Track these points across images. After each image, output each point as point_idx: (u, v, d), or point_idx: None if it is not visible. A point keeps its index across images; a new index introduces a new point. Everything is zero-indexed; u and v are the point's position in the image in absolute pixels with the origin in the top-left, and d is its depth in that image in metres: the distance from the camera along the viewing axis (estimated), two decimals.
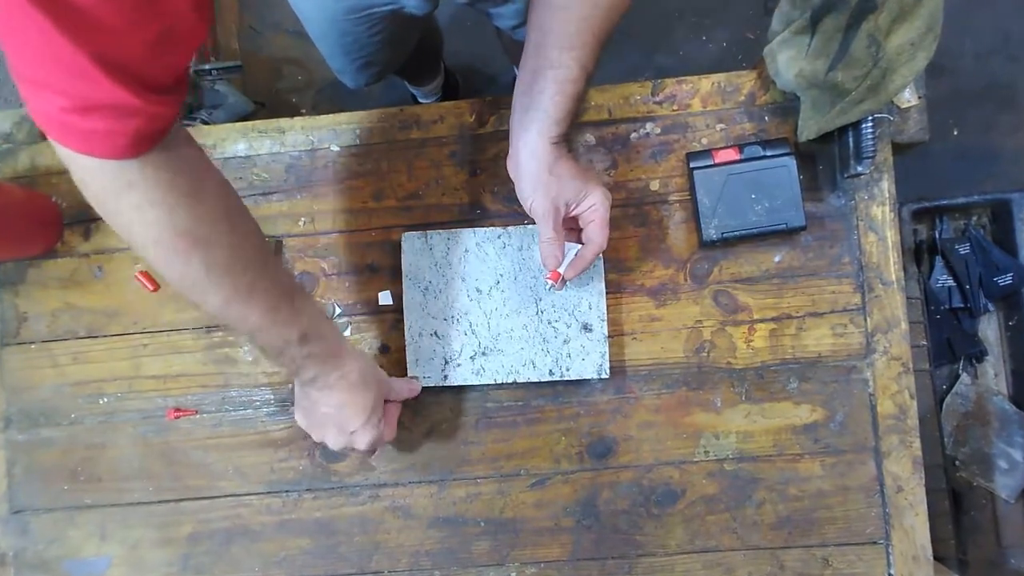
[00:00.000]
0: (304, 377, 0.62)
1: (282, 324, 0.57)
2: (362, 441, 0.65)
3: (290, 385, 0.77)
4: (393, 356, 0.77)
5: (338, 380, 0.63)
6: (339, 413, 0.64)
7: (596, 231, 0.65)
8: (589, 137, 0.76)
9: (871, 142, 0.68)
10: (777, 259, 0.75)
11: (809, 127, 0.71)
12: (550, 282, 0.67)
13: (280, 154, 0.78)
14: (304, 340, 0.59)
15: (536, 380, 0.73)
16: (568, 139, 0.63)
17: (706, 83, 0.76)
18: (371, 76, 1.00)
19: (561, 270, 0.66)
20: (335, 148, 0.78)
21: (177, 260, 0.50)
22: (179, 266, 0.50)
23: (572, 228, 0.68)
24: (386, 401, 0.69)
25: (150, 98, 0.43)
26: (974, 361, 1.32)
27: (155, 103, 0.44)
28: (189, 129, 0.79)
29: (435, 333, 0.74)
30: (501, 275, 0.74)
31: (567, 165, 0.63)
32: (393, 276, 0.77)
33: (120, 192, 0.46)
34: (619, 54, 1.27)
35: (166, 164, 0.47)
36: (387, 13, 0.82)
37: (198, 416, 0.78)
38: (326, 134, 0.78)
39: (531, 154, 0.62)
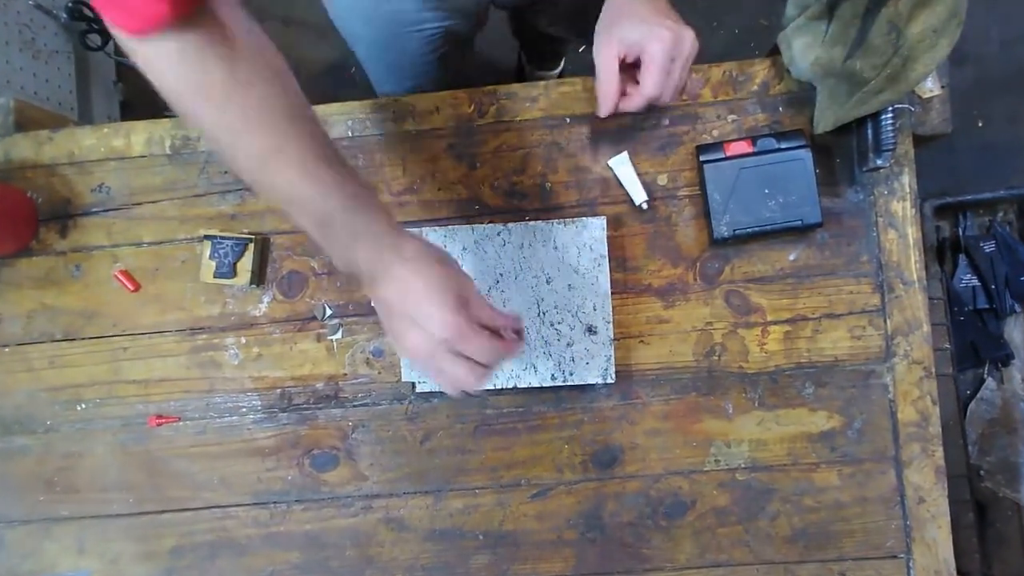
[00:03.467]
0: (359, 266, 0.55)
1: (324, 185, 0.52)
2: (451, 328, 0.52)
3: (278, 390, 0.77)
4: (387, 360, 0.77)
5: (395, 260, 0.54)
6: (406, 301, 0.54)
7: (643, 74, 0.65)
8: (594, 129, 0.77)
9: (891, 134, 0.68)
10: (792, 257, 0.76)
11: (826, 118, 0.71)
12: None
13: None
14: (350, 210, 0.53)
15: (538, 385, 0.73)
16: None
17: (717, 72, 0.76)
18: None
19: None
20: None
21: (213, 106, 0.51)
22: (214, 112, 0.51)
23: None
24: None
25: None
26: (1000, 365, 1.32)
27: None
28: (172, 121, 0.79)
29: None
30: (501, 275, 0.74)
31: (640, 6, 0.64)
32: None
33: (162, 57, 0.49)
34: None
35: (206, 20, 0.49)
36: (439, 31, 0.84)
37: (181, 423, 0.78)
38: None
39: None
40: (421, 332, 0.53)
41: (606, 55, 0.66)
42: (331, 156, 0.55)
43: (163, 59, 0.49)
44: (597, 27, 0.68)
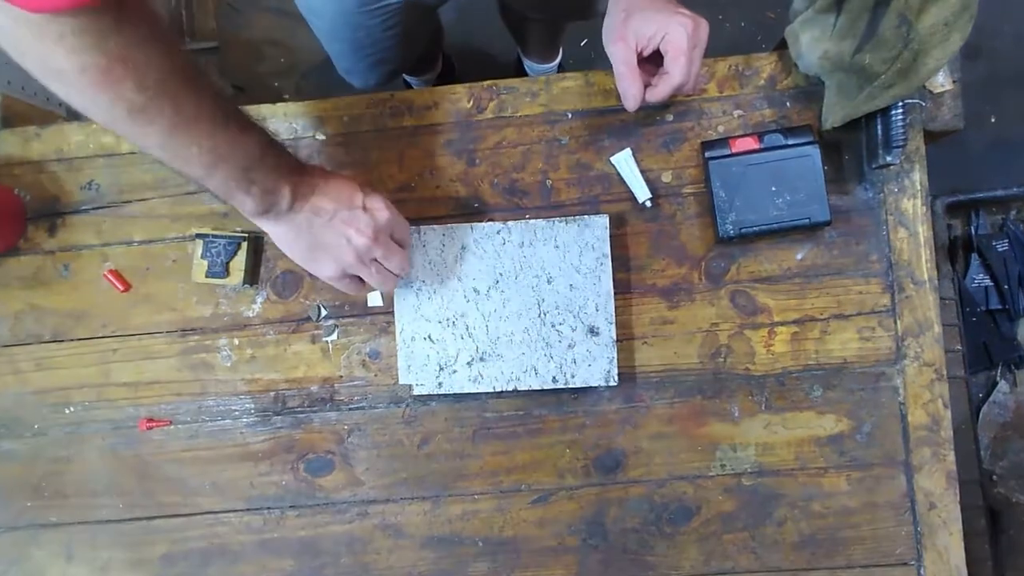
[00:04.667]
0: (280, 203, 0.61)
1: (238, 142, 0.56)
2: (390, 217, 0.66)
3: (271, 393, 0.77)
4: (384, 362, 0.77)
5: (316, 193, 0.63)
6: (353, 196, 0.64)
7: (670, 63, 0.66)
8: (596, 124, 0.77)
9: (901, 130, 0.68)
10: (799, 256, 0.76)
11: (834, 114, 0.71)
12: None
13: None
14: (265, 155, 0.58)
15: (538, 388, 0.73)
16: None
17: (722, 66, 0.76)
18: (381, 76, 1.02)
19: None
20: (320, 136, 0.78)
21: (111, 87, 0.48)
22: (112, 94, 0.48)
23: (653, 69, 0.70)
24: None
25: None
26: (1013, 367, 1.32)
27: None
28: None
29: (429, 337, 0.74)
30: (501, 274, 0.74)
31: (651, 0, 0.66)
32: None
33: (56, 38, 0.45)
34: None
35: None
36: (401, 5, 0.84)
37: (172, 427, 0.78)
38: (311, 121, 0.78)
39: None
40: (340, 258, 0.65)
41: (623, 49, 0.67)
42: (233, 107, 0.58)
43: (81, 36, 0.45)
44: (606, 25, 0.68)
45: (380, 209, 0.65)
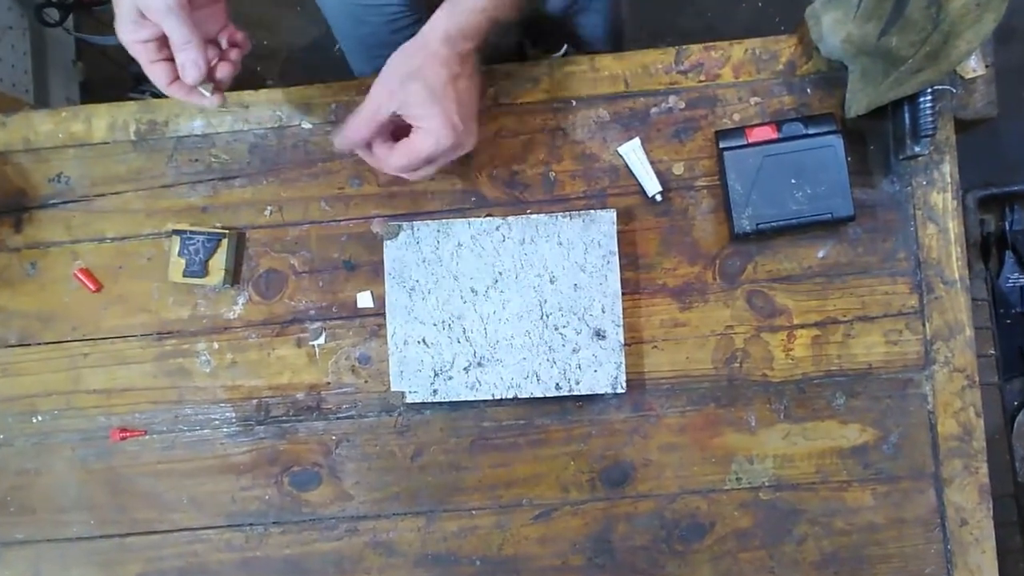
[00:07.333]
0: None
1: None
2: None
3: (254, 401, 0.77)
4: (375, 368, 0.77)
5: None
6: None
7: (393, 157, 0.66)
8: (603, 112, 0.77)
9: (930, 118, 0.68)
10: (821, 254, 0.76)
11: (858, 101, 0.71)
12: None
13: (243, 132, 0.78)
14: None
15: (540, 395, 0.73)
16: (465, 57, 0.65)
17: (738, 50, 0.76)
18: None
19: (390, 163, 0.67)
20: (307, 125, 0.78)
21: None
22: None
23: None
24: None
25: None
26: None
27: None
28: (137, 103, 0.79)
29: (423, 340, 0.74)
30: (500, 273, 0.74)
31: (444, 81, 0.63)
32: (374, 274, 0.77)
33: None
34: (637, 16, 1.27)
35: None
36: (402, 10, 0.86)
37: (147, 437, 0.78)
38: (296, 109, 0.78)
39: (419, 40, 0.64)
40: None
41: (383, 102, 0.64)
42: None
43: None
44: (403, 52, 0.65)
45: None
